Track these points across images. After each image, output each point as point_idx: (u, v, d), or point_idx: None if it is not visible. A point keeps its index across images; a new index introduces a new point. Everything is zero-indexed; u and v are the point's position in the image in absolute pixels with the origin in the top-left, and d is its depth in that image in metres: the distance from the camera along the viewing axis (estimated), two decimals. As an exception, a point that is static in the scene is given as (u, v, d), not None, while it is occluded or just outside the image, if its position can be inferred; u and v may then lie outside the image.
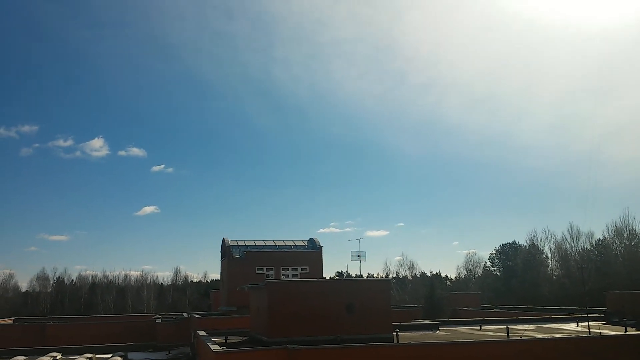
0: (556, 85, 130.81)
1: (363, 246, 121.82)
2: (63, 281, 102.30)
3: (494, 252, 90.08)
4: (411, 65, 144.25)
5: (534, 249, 79.61)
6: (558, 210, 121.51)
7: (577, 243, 74.37)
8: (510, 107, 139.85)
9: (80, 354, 41.94)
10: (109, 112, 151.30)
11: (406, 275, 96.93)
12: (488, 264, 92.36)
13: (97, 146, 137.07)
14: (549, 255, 79.17)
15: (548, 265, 78.69)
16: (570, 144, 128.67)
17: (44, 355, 40.30)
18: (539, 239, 80.00)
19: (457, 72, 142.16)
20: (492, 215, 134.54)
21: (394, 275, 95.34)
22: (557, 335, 28.78)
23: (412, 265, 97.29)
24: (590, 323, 31.96)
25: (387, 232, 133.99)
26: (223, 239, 56.19)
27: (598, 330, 29.24)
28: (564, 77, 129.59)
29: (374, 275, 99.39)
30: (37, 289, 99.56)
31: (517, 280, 76.84)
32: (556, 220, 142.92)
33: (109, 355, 41.97)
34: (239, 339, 30.30)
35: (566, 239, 75.29)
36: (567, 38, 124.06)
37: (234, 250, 53.46)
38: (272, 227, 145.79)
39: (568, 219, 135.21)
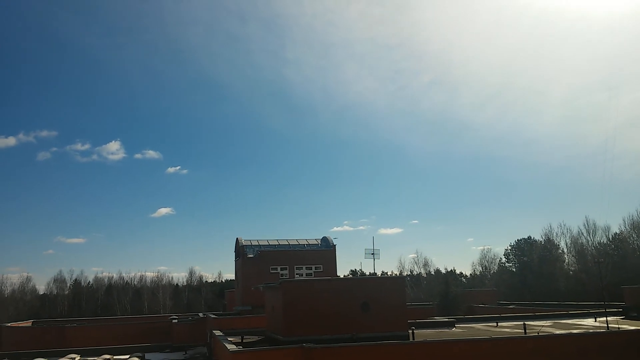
0: (568, 78, 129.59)
1: (377, 244, 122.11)
2: (80, 283, 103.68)
3: (509, 247, 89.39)
4: (422, 63, 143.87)
5: (549, 244, 78.87)
6: (573, 205, 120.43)
7: (594, 237, 73.66)
8: (523, 102, 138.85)
9: (99, 355, 42.51)
10: (125, 116, 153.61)
11: (421, 272, 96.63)
12: (503, 259, 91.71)
13: (114, 149, 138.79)
14: (565, 250, 78.59)
15: (564, 261, 77.94)
16: (584, 137, 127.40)
17: (63, 356, 40.83)
18: (554, 234, 79.49)
19: (468, 68, 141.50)
20: (506, 210, 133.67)
21: (409, 272, 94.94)
22: (575, 331, 28.49)
23: (427, 262, 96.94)
24: (609, 318, 31.58)
25: (401, 230, 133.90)
26: (237, 239, 56.35)
27: (617, 325, 28.84)
28: (576, 70, 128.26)
29: (388, 273, 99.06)
30: (55, 292, 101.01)
31: (533, 276, 76.16)
32: (572, 214, 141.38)
33: (127, 356, 42.34)
34: (255, 338, 30.44)
35: (582, 234, 74.67)
36: (578, 30, 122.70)
37: (247, 250, 53.61)
38: (286, 226, 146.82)
39: (584, 213, 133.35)
